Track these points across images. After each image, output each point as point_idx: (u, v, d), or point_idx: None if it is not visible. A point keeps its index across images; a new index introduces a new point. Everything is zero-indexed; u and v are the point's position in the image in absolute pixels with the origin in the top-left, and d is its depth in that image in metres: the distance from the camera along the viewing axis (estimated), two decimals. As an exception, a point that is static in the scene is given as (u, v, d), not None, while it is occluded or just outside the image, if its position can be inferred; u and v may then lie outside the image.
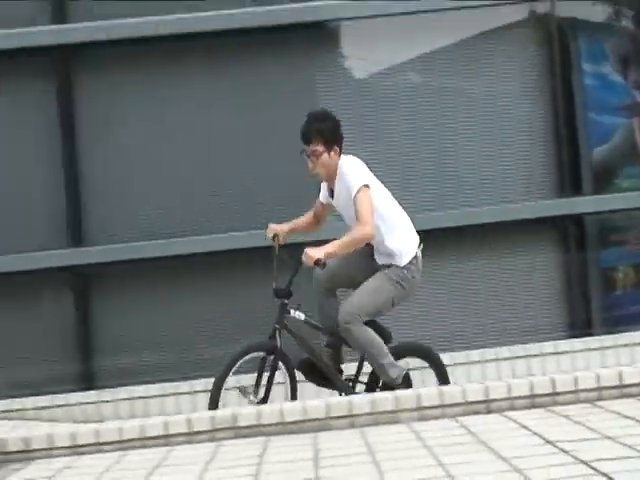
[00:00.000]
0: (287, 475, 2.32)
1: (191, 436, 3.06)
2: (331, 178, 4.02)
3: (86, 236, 6.11)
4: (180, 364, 5.92)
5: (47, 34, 6.08)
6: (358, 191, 3.84)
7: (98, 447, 3.09)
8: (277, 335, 3.96)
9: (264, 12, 6.17)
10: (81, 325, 6.06)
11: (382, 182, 4.12)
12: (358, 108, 6.22)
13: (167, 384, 5.61)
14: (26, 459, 3.00)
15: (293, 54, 6.32)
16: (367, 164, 4.09)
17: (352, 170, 3.95)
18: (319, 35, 6.47)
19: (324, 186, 4.18)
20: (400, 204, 4.18)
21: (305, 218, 4.33)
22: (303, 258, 3.81)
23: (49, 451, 3.04)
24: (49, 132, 6.18)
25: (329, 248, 3.83)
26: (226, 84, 6.27)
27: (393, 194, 4.18)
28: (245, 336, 4.64)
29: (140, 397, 5.50)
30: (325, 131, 3.94)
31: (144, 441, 3.06)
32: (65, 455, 3.02)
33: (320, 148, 3.92)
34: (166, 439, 3.06)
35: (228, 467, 2.54)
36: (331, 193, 4.10)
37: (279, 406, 3.24)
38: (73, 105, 6.18)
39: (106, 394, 5.55)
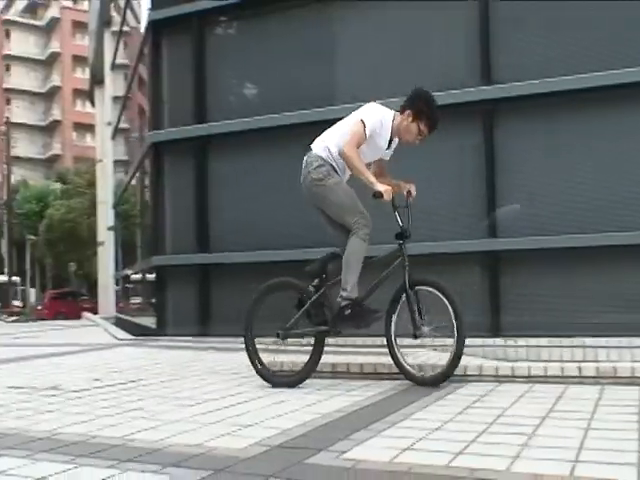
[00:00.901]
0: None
1: (581, 379, 4.12)
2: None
3: (500, 229, 7.56)
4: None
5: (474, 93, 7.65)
6: None
7: (511, 379, 4.32)
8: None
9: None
10: (493, 291, 7.54)
11: None
12: None
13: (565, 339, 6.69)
14: (462, 381, 4.36)
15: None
16: None
17: None
18: None
19: (369, 145, 4.48)
20: None
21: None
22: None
23: (479, 377, 4.38)
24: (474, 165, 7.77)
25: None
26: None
27: None
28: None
29: (536, 346, 6.63)
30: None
31: (546, 378, 4.20)
32: (490, 381, 4.32)
33: None
34: (562, 379, 4.17)
35: (614, 405, 3.50)
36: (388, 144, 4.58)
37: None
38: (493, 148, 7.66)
39: (510, 341, 6.84)
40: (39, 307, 37.92)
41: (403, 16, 8.28)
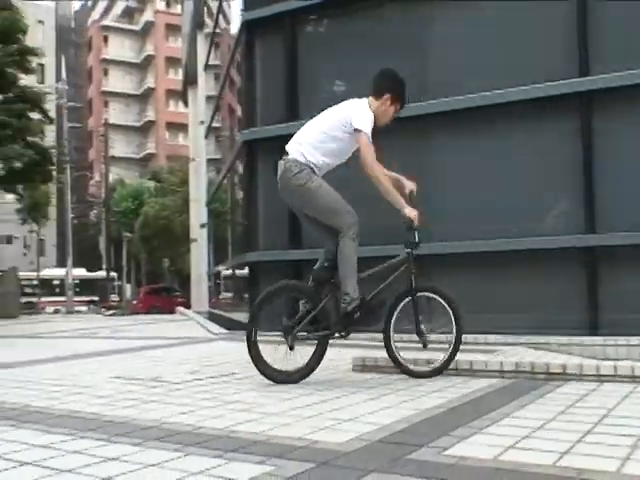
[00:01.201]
0: None
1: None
2: None
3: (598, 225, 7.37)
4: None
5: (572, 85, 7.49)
6: None
7: (613, 378, 4.18)
8: None
9: None
10: (590, 289, 7.31)
11: None
12: None
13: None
14: (561, 380, 4.25)
15: None
16: None
17: None
18: None
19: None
20: None
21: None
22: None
23: (579, 376, 4.25)
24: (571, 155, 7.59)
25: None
26: None
27: None
28: None
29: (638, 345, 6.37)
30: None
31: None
32: (591, 381, 4.19)
33: None
34: None
35: None
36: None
37: None
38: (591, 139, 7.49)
39: (610, 340, 6.59)
40: (134, 302, 39.40)
41: (498, 6, 8.13)
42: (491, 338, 6.87)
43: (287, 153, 4.52)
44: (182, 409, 3.51)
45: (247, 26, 9.91)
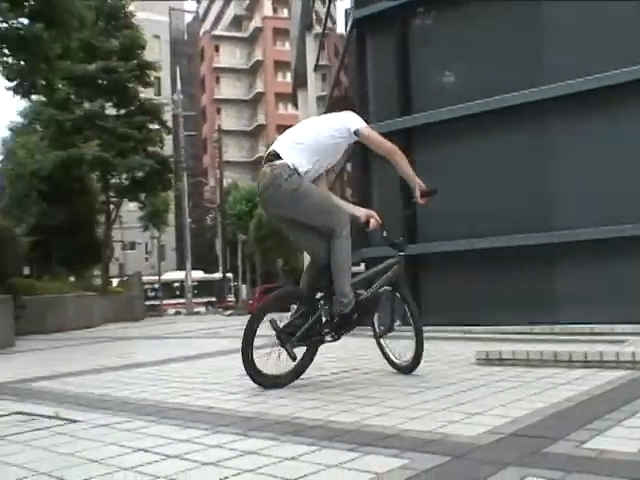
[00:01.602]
0: None
1: None
2: None
3: None
4: None
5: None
6: None
7: None
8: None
9: None
10: None
11: None
12: None
13: None
14: None
15: None
16: None
17: None
18: None
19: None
20: None
21: None
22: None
23: None
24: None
25: None
26: None
27: None
28: None
29: None
30: None
31: None
32: None
33: None
34: None
35: None
36: None
37: None
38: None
39: None
40: (250, 301, 40.41)
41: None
42: (618, 328, 6.58)
43: (271, 159, 4.37)
44: (311, 404, 3.59)
45: (357, 24, 9.98)
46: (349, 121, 4.46)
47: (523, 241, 8.12)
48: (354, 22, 10.08)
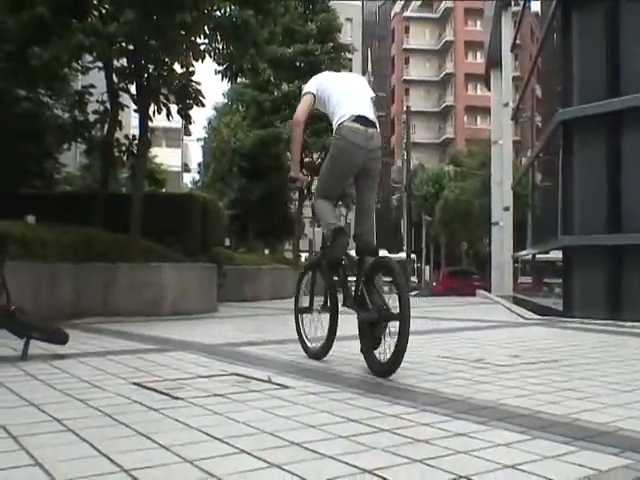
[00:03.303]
0: None
1: None
2: None
3: None
4: None
5: None
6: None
7: None
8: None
9: None
10: None
11: None
12: None
13: None
14: None
15: None
16: None
17: None
18: None
19: None
20: None
21: None
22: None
23: None
24: None
25: None
26: None
27: None
28: None
29: None
30: None
31: None
32: None
33: None
34: None
35: None
36: None
37: None
38: None
39: None
40: (434, 283, 40.23)
41: None
42: None
43: (369, 123, 4.60)
44: (516, 392, 3.54)
45: (564, 1, 9.50)
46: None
47: None
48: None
